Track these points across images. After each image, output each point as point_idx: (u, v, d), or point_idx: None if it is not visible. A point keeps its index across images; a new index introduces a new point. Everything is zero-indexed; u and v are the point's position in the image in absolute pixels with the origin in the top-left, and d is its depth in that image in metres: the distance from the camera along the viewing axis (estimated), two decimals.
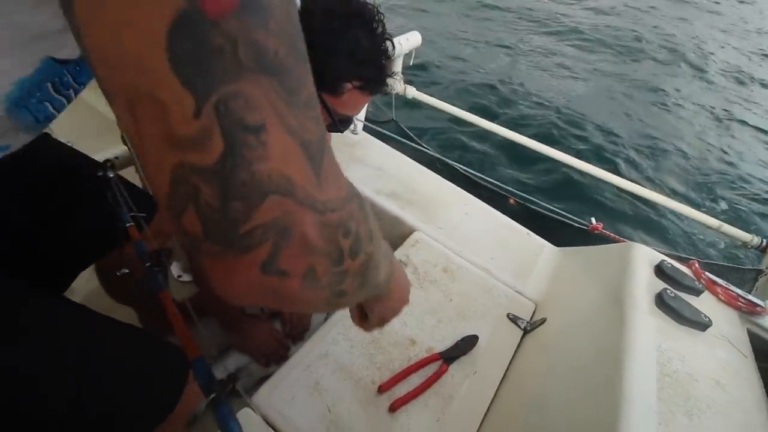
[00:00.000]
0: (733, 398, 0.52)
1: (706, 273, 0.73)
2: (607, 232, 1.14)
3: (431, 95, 2.53)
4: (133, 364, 0.51)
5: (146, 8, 0.15)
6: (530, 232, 1.18)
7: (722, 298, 0.70)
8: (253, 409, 0.69)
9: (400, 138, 1.72)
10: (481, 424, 0.72)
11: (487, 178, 2.38)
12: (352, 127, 1.45)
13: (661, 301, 0.63)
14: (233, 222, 0.18)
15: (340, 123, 0.78)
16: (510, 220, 1.20)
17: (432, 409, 0.73)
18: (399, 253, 1.01)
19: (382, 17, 0.73)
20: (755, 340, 0.69)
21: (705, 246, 2.48)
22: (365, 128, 1.68)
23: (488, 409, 0.74)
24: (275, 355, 1.02)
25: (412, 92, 2.61)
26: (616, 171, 2.91)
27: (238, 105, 0.17)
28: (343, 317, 0.85)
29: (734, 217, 2.84)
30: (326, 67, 0.69)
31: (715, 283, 0.72)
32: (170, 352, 0.55)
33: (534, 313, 0.95)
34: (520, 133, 2.23)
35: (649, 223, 2.55)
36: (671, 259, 0.75)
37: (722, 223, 1.96)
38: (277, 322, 1.07)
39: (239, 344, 1.02)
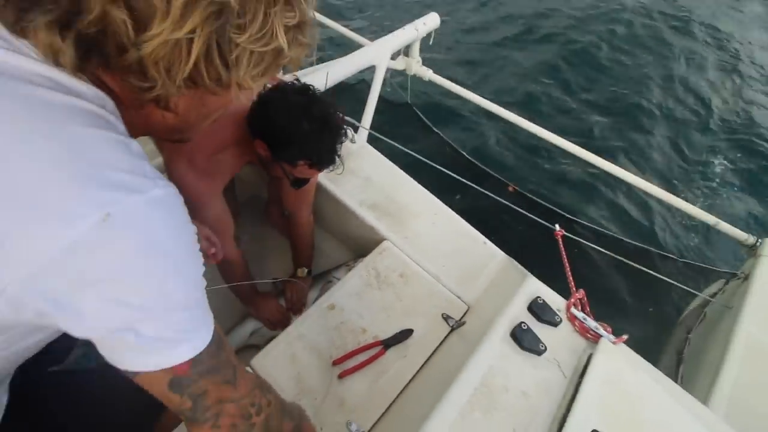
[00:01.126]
0: (531, 405, 0.79)
1: (573, 309, 0.95)
2: (562, 245, 1.31)
3: (449, 78, 2.61)
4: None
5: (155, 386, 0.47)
6: (487, 241, 1.40)
7: (576, 329, 0.93)
8: (251, 368, 1.07)
9: (396, 145, 1.88)
10: (398, 395, 1.06)
11: (487, 169, 2.49)
12: (351, 136, 1.68)
13: (513, 331, 0.89)
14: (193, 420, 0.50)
15: (294, 182, 1.07)
16: (471, 228, 1.43)
17: (368, 379, 1.08)
18: (368, 260, 1.31)
19: (339, 116, 0.97)
20: None
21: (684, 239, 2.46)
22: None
23: (406, 385, 1.07)
24: (280, 323, 1.42)
25: (428, 74, 2.72)
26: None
27: (194, 390, 0.47)
28: (320, 311, 1.19)
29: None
30: (282, 150, 0.97)
31: (575, 317, 0.94)
32: None
33: (465, 313, 1.22)
34: (535, 123, 2.30)
35: (628, 211, 2.54)
36: (551, 293, 0.98)
37: (719, 220, 2.00)
38: (281, 299, 1.45)
39: (255, 314, 1.43)
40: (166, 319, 0.43)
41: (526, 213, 1.66)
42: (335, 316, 1.19)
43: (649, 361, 0.97)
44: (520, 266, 1.28)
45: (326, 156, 0.99)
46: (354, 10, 4.19)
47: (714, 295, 1.61)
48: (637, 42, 4.09)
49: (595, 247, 1.62)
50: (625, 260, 1.62)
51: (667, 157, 2.91)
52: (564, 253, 1.29)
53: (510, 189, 2.32)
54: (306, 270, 1.49)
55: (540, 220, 1.60)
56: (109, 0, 0.34)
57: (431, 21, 2.50)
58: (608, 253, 1.61)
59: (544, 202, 2.28)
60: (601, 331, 0.92)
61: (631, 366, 0.86)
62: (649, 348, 1.55)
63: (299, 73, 2.35)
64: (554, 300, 0.98)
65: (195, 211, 1.08)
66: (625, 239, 2.28)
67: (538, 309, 0.94)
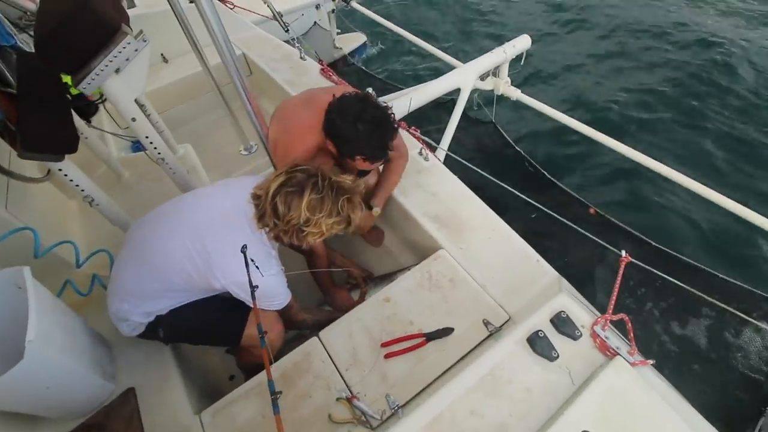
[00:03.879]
0: (532, 400, 0.88)
1: (596, 327, 1.00)
2: (621, 271, 1.32)
3: (538, 98, 2.66)
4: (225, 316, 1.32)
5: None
6: (540, 259, 1.48)
7: (596, 345, 0.98)
8: (319, 339, 1.35)
9: (459, 163, 2.04)
10: (432, 381, 1.22)
11: (570, 191, 2.45)
12: (424, 154, 1.88)
13: (530, 337, 0.99)
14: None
15: (359, 174, 1.31)
16: (527, 246, 1.51)
17: (408, 364, 1.27)
18: (422, 264, 1.50)
19: (392, 117, 1.19)
20: None
21: None
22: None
23: (440, 375, 1.23)
24: (347, 309, 1.69)
25: (516, 94, 2.80)
26: None
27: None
28: (377, 302, 1.42)
29: None
30: (343, 147, 1.22)
31: (598, 335, 0.99)
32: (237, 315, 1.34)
33: (506, 322, 1.33)
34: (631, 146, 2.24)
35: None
36: (579, 311, 1.04)
37: None
38: (353, 293, 1.72)
39: (330, 302, 1.72)
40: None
41: (595, 238, 1.66)
42: (389, 307, 1.41)
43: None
44: (566, 284, 1.34)
45: (378, 152, 1.22)
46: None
47: None
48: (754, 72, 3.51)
49: (672, 279, 1.54)
50: (705, 296, 1.52)
51: None
52: (620, 278, 1.30)
53: (591, 212, 2.26)
54: (378, 209, 1.64)
55: (608, 246, 1.59)
56: (270, 218, 1.08)
57: (521, 43, 2.58)
58: (690, 288, 1.52)
59: (626, 227, 2.17)
60: (621, 351, 0.97)
61: (643, 386, 0.89)
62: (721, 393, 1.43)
63: (388, 98, 2.65)
64: (580, 317, 1.05)
65: None
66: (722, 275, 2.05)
67: (560, 322, 1.02)
